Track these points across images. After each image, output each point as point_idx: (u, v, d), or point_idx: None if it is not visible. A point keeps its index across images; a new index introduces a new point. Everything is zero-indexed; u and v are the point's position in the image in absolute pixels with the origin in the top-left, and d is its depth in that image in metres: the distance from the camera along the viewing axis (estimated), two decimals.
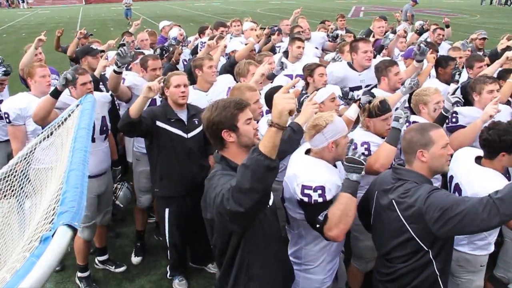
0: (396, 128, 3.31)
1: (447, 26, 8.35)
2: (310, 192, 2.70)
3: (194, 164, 4.11)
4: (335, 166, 3.00)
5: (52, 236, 1.18)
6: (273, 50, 6.73)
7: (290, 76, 5.44)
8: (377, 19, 7.41)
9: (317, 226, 2.70)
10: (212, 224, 2.46)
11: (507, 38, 6.26)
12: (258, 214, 2.29)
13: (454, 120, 4.07)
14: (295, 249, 3.07)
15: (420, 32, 7.29)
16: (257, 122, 4.18)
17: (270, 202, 2.65)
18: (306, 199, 2.72)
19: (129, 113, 3.73)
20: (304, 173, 2.80)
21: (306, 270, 3.04)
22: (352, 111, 3.73)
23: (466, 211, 2.26)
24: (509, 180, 3.32)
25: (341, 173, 2.95)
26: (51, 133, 2.51)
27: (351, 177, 2.67)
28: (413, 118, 3.87)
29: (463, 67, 4.98)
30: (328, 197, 2.71)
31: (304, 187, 2.73)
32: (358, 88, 4.73)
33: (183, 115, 4.07)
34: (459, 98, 3.71)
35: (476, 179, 3.02)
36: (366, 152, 3.43)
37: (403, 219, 2.51)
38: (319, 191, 2.69)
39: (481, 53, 6.81)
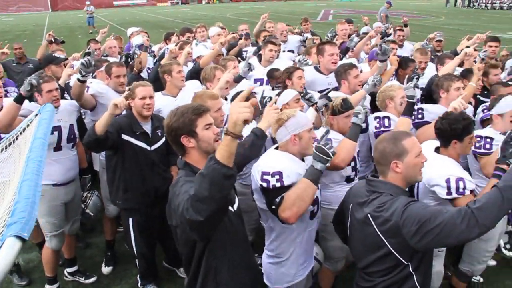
0: (356, 123, 3.41)
1: (405, 25, 8.58)
2: (269, 177, 2.81)
3: (156, 176, 4.09)
4: (303, 160, 3.07)
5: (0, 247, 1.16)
6: (240, 55, 6.75)
7: (261, 80, 5.47)
8: (341, 22, 7.54)
9: (273, 207, 2.80)
10: (178, 233, 2.47)
11: (467, 39, 6.44)
12: (219, 223, 2.29)
13: (420, 116, 4.18)
14: (268, 243, 3.17)
15: (383, 35, 7.45)
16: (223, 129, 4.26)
17: (235, 207, 2.71)
18: (265, 184, 2.82)
19: (95, 130, 3.67)
20: (265, 161, 2.93)
21: (278, 263, 3.11)
22: (310, 115, 3.83)
23: (444, 222, 2.20)
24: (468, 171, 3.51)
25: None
26: (9, 144, 2.45)
27: (315, 165, 2.78)
28: (382, 113, 4.05)
29: (422, 74, 5.05)
30: (286, 183, 2.80)
31: (263, 173, 2.83)
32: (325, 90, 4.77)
33: (147, 127, 4.04)
34: (415, 83, 3.83)
35: (431, 166, 3.08)
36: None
37: (380, 233, 2.42)
38: (277, 176, 2.79)
39: (439, 54, 7.00)
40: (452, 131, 3.15)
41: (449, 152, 3.22)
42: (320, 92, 4.65)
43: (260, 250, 3.45)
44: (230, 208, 2.60)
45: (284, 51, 6.85)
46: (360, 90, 4.35)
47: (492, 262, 4.83)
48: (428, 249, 2.49)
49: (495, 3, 43.05)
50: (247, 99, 2.25)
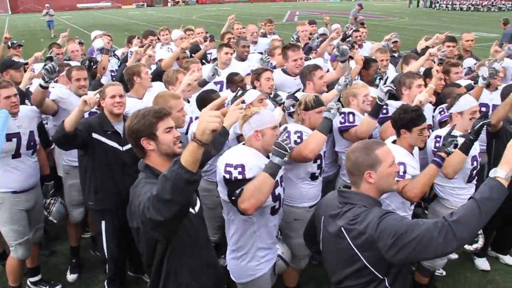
0: (327, 118, 3.54)
1: (362, 24, 8.77)
2: (231, 169, 2.91)
3: (128, 177, 4.02)
4: (267, 157, 3.12)
5: None
6: (205, 57, 6.75)
7: (221, 83, 5.48)
8: (301, 24, 7.64)
9: (233, 198, 2.88)
10: (139, 233, 2.47)
11: (425, 39, 6.60)
12: (179, 223, 2.31)
13: (384, 111, 4.29)
14: (229, 237, 3.24)
15: (343, 37, 7.59)
16: (187, 130, 4.26)
17: (196, 209, 2.73)
18: (227, 176, 2.92)
19: (64, 126, 3.63)
20: (230, 154, 3.04)
21: (239, 257, 3.19)
22: (277, 114, 3.90)
23: (421, 236, 2.10)
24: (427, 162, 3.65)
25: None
26: None
27: (273, 160, 2.87)
28: (347, 109, 4.19)
29: (385, 74, 5.15)
30: (248, 175, 2.90)
31: (227, 165, 2.94)
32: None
33: (119, 127, 4.00)
34: (391, 87, 3.87)
35: None
36: (299, 140, 3.61)
37: (354, 247, 2.30)
38: (239, 169, 2.90)
39: (396, 55, 7.21)
40: (400, 120, 3.40)
41: (401, 143, 3.46)
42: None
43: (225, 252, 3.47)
44: (191, 210, 2.63)
45: (253, 53, 6.88)
46: (332, 90, 4.46)
47: (454, 256, 4.98)
48: (405, 263, 2.33)
49: (455, 5, 44.34)
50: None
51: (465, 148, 3.39)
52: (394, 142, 3.56)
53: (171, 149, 2.56)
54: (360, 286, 2.38)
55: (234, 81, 5.02)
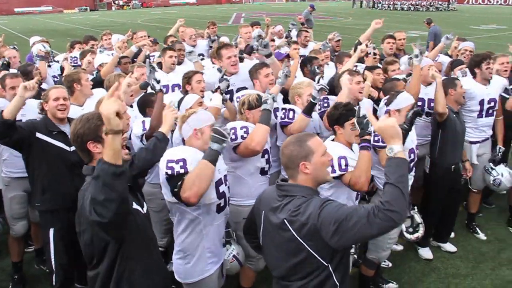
0: (266, 109, 3.66)
1: (302, 24, 8.95)
2: (173, 164, 2.95)
3: (77, 177, 3.91)
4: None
5: None
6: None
7: (166, 87, 5.43)
8: (244, 26, 7.70)
9: (175, 190, 2.90)
10: (87, 237, 2.46)
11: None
12: (126, 220, 2.31)
13: (325, 105, 4.46)
14: (176, 237, 3.26)
15: (287, 36, 7.70)
16: (130, 133, 4.19)
17: (144, 210, 2.76)
18: (169, 171, 2.95)
19: (2, 114, 3.57)
20: (170, 151, 3.09)
21: (186, 257, 3.21)
22: (217, 99, 4.14)
23: (360, 220, 2.22)
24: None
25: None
26: None
27: (212, 146, 2.92)
28: (289, 106, 4.33)
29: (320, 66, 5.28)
30: (190, 169, 2.94)
31: (168, 161, 2.97)
32: (230, 92, 4.83)
33: (65, 128, 3.92)
34: (324, 86, 4.04)
35: None
36: (245, 135, 3.67)
37: (298, 238, 2.37)
38: (181, 163, 2.94)
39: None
40: (332, 116, 3.54)
41: (339, 139, 3.58)
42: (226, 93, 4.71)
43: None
44: (140, 209, 2.67)
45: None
46: (275, 86, 4.48)
47: (399, 247, 5.16)
48: (348, 247, 2.51)
49: (396, 5, 45.84)
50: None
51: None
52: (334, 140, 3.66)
53: None
54: (305, 276, 2.45)
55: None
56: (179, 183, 2.89)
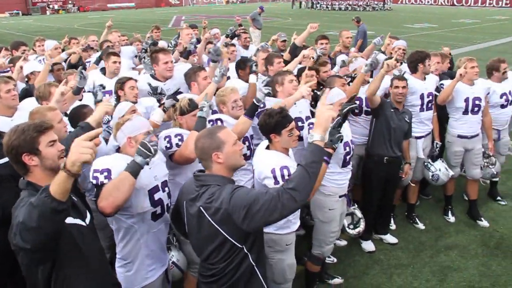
0: (201, 116, 3.65)
1: (240, 25, 9.01)
2: (98, 174, 2.91)
3: (6, 191, 3.73)
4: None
5: None
6: (84, 67, 6.45)
7: (109, 92, 5.27)
8: (185, 28, 7.62)
9: (94, 199, 2.88)
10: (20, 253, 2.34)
11: (296, 34, 6.88)
12: (52, 247, 2.22)
13: (262, 106, 4.39)
14: (116, 245, 3.21)
15: (231, 36, 7.70)
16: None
17: (87, 221, 2.66)
18: (95, 181, 2.92)
19: None
20: (98, 160, 3.00)
21: (126, 265, 3.16)
22: (157, 116, 3.96)
23: (267, 203, 2.37)
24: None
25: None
26: None
27: (136, 159, 2.86)
28: (214, 116, 4.19)
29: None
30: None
31: (94, 171, 2.94)
32: (178, 92, 4.79)
33: None
34: (270, 90, 4.05)
35: (261, 161, 3.45)
36: (180, 143, 3.62)
37: (214, 223, 2.54)
38: (105, 173, 2.91)
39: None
40: (267, 125, 3.43)
41: (275, 147, 3.48)
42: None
43: None
44: (81, 222, 2.57)
45: None
46: (210, 85, 4.48)
47: (343, 243, 5.28)
48: (258, 228, 2.67)
49: (334, 5, 46.93)
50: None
51: (336, 128, 3.29)
52: (268, 147, 3.56)
53: (56, 164, 2.47)
54: (224, 257, 2.62)
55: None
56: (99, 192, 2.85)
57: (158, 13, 41.70)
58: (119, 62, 5.60)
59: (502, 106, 5.90)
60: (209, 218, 2.55)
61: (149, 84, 4.51)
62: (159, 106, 4.04)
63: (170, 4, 52.69)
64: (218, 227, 2.54)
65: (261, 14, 15.31)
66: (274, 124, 3.38)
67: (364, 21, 13.93)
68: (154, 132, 3.44)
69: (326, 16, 38.39)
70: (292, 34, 7.20)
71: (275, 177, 3.26)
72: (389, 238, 5.45)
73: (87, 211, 2.77)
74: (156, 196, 3.16)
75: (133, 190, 2.88)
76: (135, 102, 4.54)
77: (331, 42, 6.58)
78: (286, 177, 3.26)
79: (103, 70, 5.63)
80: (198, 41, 6.87)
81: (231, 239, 2.56)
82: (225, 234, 2.55)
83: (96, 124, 3.34)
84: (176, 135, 3.66)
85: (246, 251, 2.63)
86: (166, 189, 3.31)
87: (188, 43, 6.51)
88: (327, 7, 47.39)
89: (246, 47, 7.51)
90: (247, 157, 4.06)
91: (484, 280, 4.74)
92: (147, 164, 2.89)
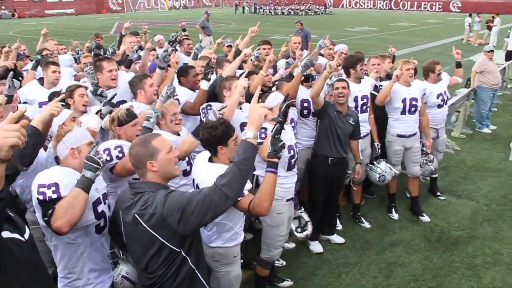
0: (147, 127, 3.58)
1: (184, 30, 8.96)
2: (45, 189, 2.78)
3: None
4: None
5: None
6: (20, 75, 6.20)
7: (46, 103, 5.07)
8: (128, 35, 7.46)
9: (45, 219, 2.75)
10: None
11: (241, 38, 6.89)
12: None
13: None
14: (57, 263, 3.07)
15: (173, 42, 7.63)
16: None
17: (26, 236, 2.50)
18: (41, 197, 2.78)
19: None
20: (42, 174, 2.89)
21: (70, 283, 3.03)
22: (94, 122, 3.86)
23: (201, 202, 2.41)
24: None
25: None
26: None
27: (86, 174, 2.78)
28: (155, 132, 3.77)
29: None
30: (63, 193, 2.79)
31: (39, 185, 2.80)
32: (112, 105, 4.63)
33: None
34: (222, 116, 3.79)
35: (205, 175, 3.24)
36: (121, 155, 3.50)
37: (149, 229, 2.53)
38: (53, 188, 2.79)
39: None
40: (214, 137, 3.24)
41: (219, 159, 3.29)
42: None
43: None
44: (19, 237, 2.40)
45: None
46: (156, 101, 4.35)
47: (291, 245, 5.33)
48: (194, 230, 2.66)
49: (277, 10, 47.59)
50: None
51: (278, 131, 3.06)
52: (210, 159, 3.40)
53: None
54: (163, 263, 2.60)
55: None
56: (50, 211, 2.72)
57: (99, 20, 40.67)
58: (59, 72, 5.39)
59: (439, 106, 6.17)
60: (144, 225, 2.54)
61: (92, 84, 4.40)
62: (96, 113, 3.93)
63: (111, 10, 51.48)
64: (154, 233, 2.53)
65: (209, 20, 15.28)
66: (220, 135, 3.23)
67: (307, 25, 14.24)
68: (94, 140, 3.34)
69: (269, 20, 38.88)
70: (235, 39, 7.22)
71: None
72: (336, 238, 5.55)
73: (26, 226, 2.65)
74: (99, 209, 3.07)
75: (87, 205, 2.81)
76: (85, 111, 4.42)
77: (275, 47, 6.63)
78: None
79: (41, 80, 5.40)
80: (140, 48, 6.76)
81: (168, 244, 2.55)
82: (162, 239, 2.54)
83: (41, 126, 3.14)
84: (115, 147, 3.54)
85: (184, 254, 2.62)
86: (107, 201, 3.22)
87: (131, 51, 6.39)
88: (270, 12, 48.00)
89: (188, 53, 7.43)
90: (187, 173, 3.99)
91: (427, 273, 4.93)
92: (97, 176, 2.83)
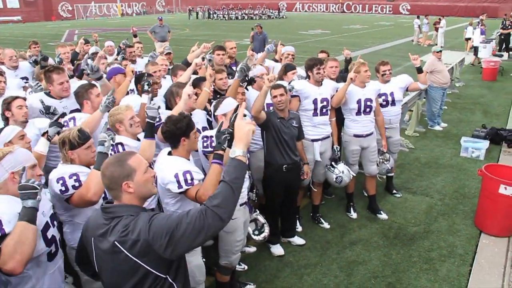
0: (102, 152, 3.24)
1: (135, 36, 8.89)
2: None
3: None
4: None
5: None
6: None
7: None
8: (61, 45, 7.35)
9: None
10: None
11: (197, 46, 6.87)
12: None
13: (158, 119, 4.25)
14: None
15: (126, 45, 7.53)
16: None
17: None
18: None
19: None
20: None
21: None
22: (42, 145, 3.63)
23: (191, 226, 2.23)
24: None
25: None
26: None
27: (26, 204, 2.55)
28: (117, 139, 3.82)
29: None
30: (8, 230, 2.53)
31: None
32: (64, 115, 4.47)
33: None
34: (157, 107, 3.85)
35: (163, 166, 3.40)
36: (77, 184, 3.24)
37: (133, 257, 2.30)
38: None
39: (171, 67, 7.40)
40: (179, 130, 3.41)
41: (179, 152, 3.48)
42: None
43: None
44: None
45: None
46: (95, 113, 4.22)
47: (252, 249, 5.32)
48: (183, 255, 2.48)
49: (231, 14, 47.72)
50: None
51: (227, 141, 3.16)
52: (169, 153, 3.54)
53: None
54: None
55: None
56: None
57: (48, 27, 39.54)
58: (4, 82, 5.18)
59: (381, 105, 6.28)
60: (127, 253, 2.29)
61: (42, 102, 4.09)
62: (42, 135, 3.67)
63: (61, 17, 50.17)
64: (137, 260, 2.30)
65: (163, 26, 15.08)
66: (185, 127, 3.41)
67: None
68: (39, 164, 3.12)
69: (224, 25, 38.91)
70: (189, 45, 7.19)
71: (178, 182, 3.25)
72: (297, 240, 5.57)
73: None
74: (49, 234, 2.87)
75: (37, 238, 2.58)
76: (25, 122, 4.23)
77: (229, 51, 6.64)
78: (189, 181, 3.26)
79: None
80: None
81: (154, 271, 2.34)
82: (147, 267, 2.32)
83: None
84: (70, 176, 3.26)
85: (170, 280, 2.43)
86: (55, 222, 3.01)
87: (68, 62, 6.24)
88: (223, 17, 48.06)
89: (132, 61, 7.32)
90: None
91: (386, 269, 5.01)
92: (39, 202, 2.60)
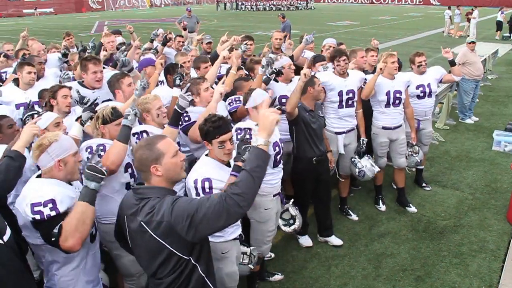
0: (126, 125, 3.40)
1: (184, 29, 8.91)
2: (41, 208, 2.63)
3: None
4: (70, 184, 2.97)
5: None
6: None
7: (24, 105, 5.00)
8: (106, 34, 7.32)
9: (53, 239, 2.63)
10: None
11: (224, 41, 6.88)
12: None
13: (186, 119, 4.31)
14: (47, 279, 2.96)
15: (164, 42, 7.60)
16: None
17: (6, 238, 2.51)
18: (38, 216, 2.64)
19: None
20: (30, 192, 2.73)
21: None
22: (75, 130, 3.74)
23: (210, 211, 2.27)
24: None
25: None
26: None
27: (89, 185, 2.69)
28: (139, 128, 3.95)
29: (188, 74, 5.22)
30: (62, 209, 2.68)
31: (33, 205, 2.64)
32: (96, 105, 4.57)
33: None
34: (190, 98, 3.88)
35: (195, 166, 3.34)
36: (102, 153, 3.41)
37: (157, 237, 2.40)
38: (50, 205, 2.65)
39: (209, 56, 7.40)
40: (201, 130, 3.35)
41: (210, 154, 3.37)
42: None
43: None
44: None
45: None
46: (129, 100, 4.28)
47: (279, 277, 5.09)
48: (204, 238, 2.57)
49: (259, 5, 47.57)
50: None
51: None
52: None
53: None
54: (172, 271, 2.49)
55: (43, 97, 4.68)
56: (56, 230, 2.61)
57: (79, 19, 40.16)
58: (34, 73, 5.29)
59: (419, 97, 6.21)
60: (152, 233, 2.41)
61: (78, 92, 4.27)
62: (76, 120, 3.80)
63: (91, 9, 50.92)
64: (161, 241, 2.40)
65: (191, 17, 15.09)
66: (205, 131, 3.29)
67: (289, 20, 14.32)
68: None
69: (252, 16, 38.85)
70: (217, 36, 7.21)
71: (196, 189, 3.20)
72: (334, 241, 5.41)
73: (6, 227, 2.59)
74: (94, 217, 2.96)
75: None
76: (68, 112, 4.36)
77: (257, 43, 6.63)
78: (208, 190, 3.18)
79: (16, 81, 5.29)
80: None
81: (177, 252, 2.44)
82: (170, 248, 2.42)
83: (24, 150, 3.11)
84: (98, 146, 3.48)
85: (194, 262, 2.51)
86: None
87: (110, 50, 6.31)
88: (251, 8, 47.94)
89: (178, 50, 7.38)
90: (130, 186, 3.80)
91: (415, 263, 4.98)
92: (101, 186, 2.75)
